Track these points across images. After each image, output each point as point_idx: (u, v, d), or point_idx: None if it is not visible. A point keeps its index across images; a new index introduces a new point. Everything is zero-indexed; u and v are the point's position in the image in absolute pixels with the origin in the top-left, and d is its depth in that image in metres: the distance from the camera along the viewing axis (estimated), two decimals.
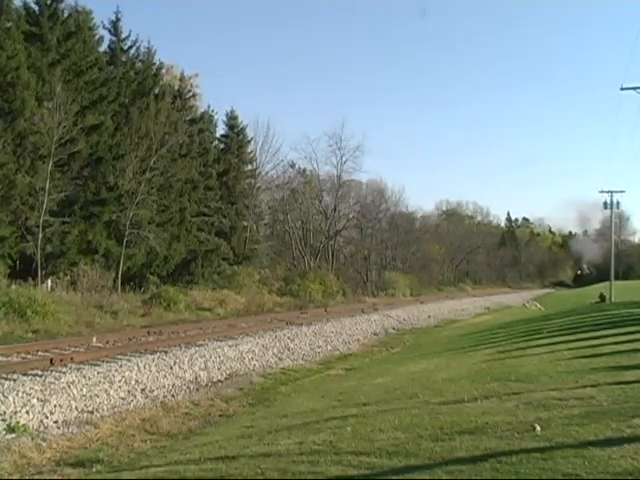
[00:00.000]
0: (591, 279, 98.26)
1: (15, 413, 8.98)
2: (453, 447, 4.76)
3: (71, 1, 26.62)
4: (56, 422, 9.21)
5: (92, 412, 9.90)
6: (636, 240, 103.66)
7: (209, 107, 36.81)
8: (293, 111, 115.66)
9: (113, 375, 11.37)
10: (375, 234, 53.10)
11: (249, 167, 39.72)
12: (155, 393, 11.49)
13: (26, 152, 23.06)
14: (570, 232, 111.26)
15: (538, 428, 5.01)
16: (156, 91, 30.94)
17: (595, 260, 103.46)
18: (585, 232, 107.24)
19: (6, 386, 9.64)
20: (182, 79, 36.31)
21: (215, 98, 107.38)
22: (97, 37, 28.21)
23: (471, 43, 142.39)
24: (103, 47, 28.99)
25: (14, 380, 10.07)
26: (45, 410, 9.38)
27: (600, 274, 77.16)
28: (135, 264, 27.03)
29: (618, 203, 47.16)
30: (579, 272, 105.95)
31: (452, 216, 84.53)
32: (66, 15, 26.15)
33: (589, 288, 62.33)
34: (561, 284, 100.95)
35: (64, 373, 10.90)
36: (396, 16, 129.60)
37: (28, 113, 22.73)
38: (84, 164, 25.42)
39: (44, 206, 22.30)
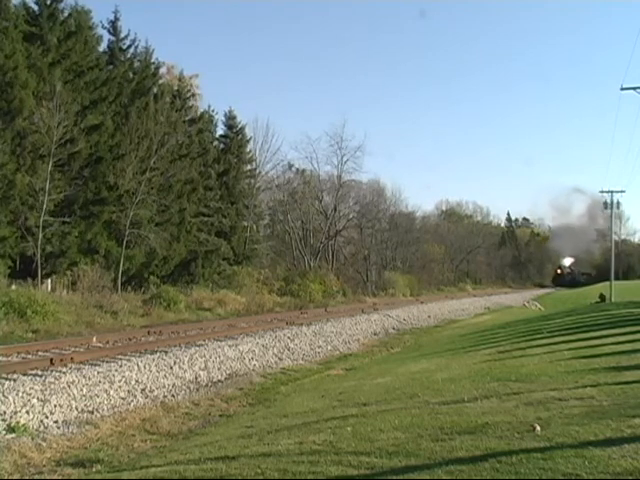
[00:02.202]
0: (573, 279, 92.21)
1: (15, 413, 8.98)
2: (453, 447, 4.76)
3: (71, 0, 26.69)
4: (56, 422, 9.20)
5: (92, 412, 9.90)
6: (636, 240, 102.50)
7: (209, 107, 36.88)
8: (294, 111, 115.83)
9: (113, 375, 11.37)
10: (375, 234, 53.12)
11: (249, 167, 39.73)
12: (155, 393, 11.49)
13: (26, 152, 23.06)
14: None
15: (538, 428, 5.01)
16: (155, 91, 30.95)
17: (579, 256, 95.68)
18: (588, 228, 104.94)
19: (6, 386, 9.64)
20: (181, 79, 36.30)
21: (215, 98, 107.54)
22: (96, 37, 28.22)
23: (471, 43, 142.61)
24: (102, 47, 29.02)
25: (14, 380, 10.07)
26: (45, 410, 9.38)
27: (600, 274, 75.84)
28: (135, 264, 27.04)
29: (618, 203, 47.30)
30: (559, 271, 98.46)
31: (452, 216, 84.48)
32: (66, 15, 26.16)
33: (589, 288, 62.05)
34: (539, 286, 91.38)
35: (64, 373, 10.89)
36: (396, 16, 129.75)
37: (27, 113, 22.73)
38: (84, 164, 25.42)
39: (44, 206, 22.29)
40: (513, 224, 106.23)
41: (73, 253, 24.16)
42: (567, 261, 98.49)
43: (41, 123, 22.55)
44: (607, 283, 48.80)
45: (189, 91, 36.32)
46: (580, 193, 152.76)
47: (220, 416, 10.26)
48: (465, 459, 4.37)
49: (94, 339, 15.21)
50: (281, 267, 40.35)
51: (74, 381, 10.57)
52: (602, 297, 45.08)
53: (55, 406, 9.60)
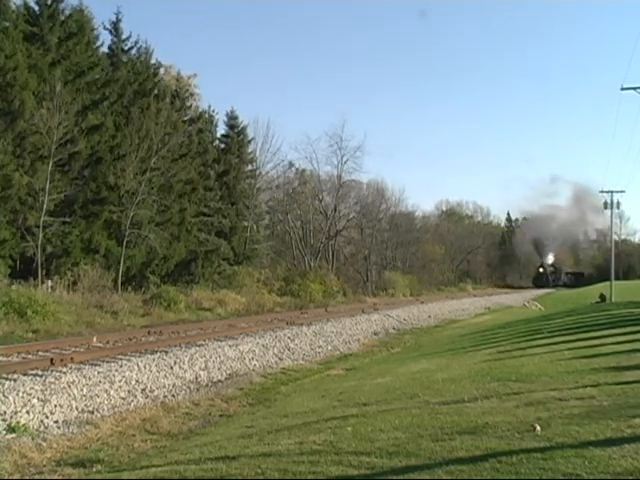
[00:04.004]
0: (557, 280, 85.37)
1: (15, 413, 8.98)
2: (453, 447, 4.76)
3: (74, 1, 26.72)
4: (56, 422, 9.20)
5: (92, 412, 9.90)
6: (636, 240, 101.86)
7: (209, 107, 36.89)
8: (294, 111, 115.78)
9: (113, 375, 11.37)
10: (375, 234, 53.14)
11: (249, 167, 39.73)
12: (155, 393, 11.49)
13: (26, 152, 23.06)
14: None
15: (538, 428, 5.01)
16: (155, 91, 30.97)
17: (559, 251, 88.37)
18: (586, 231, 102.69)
19: (6, 386, 9.64)
20: (179, 79, 36.31)
21: (215, 98, 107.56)
22: (97, 37, 28.31)
23: (471, 41, 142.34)
24: (104, 48, 29.07)
25: (14, 380, 10.07)
26: (45, 410, 9.38)
27: (600, 274, 75.01)
28: (135, 264, 27.05)
29: (618, 203, 47.25)
30: (541, 270, 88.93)
31: (452, 216, 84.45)
32: (66, 15, 26.17)
33: (590, 288, 61.89)
34: (515, 287, 78.74)
35: (64, 373, 10.89)
36: (396, 15, 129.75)
37: (27, 114, 22.72)
38: (84, 164, 25.43)
39: (44, 206, 22.30)
40: (513, 224, 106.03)
41: (73, 253, 24.16)
42: (550, 258, 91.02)
43: (41, 124, 22.55)
44: (607, 283, 48.81)
45: (187, 91, 36.33)
46: (562, 182, 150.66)
47: (220, 416, 10.25)
48: (465, 459, 4.37)
49: (94, 339, 15.21)
50: (281, 267, 40.35)
51: (74, 381, 10.56)
52: (602, 297, 45.09)
53: (55, 406, 9.59)
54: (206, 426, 9.45)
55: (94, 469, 7.07)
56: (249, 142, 39.13)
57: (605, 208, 47.83)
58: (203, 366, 13.63)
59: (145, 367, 12.28)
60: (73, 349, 13.85)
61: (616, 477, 3.74)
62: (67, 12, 26.21)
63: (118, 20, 29.52)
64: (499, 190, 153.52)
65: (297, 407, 9.24)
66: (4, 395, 9.29)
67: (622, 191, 47.48)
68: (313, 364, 16.50)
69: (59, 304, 19.48)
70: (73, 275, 23.15)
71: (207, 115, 35.84)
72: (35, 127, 22.76)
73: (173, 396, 11.54)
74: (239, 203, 36.63)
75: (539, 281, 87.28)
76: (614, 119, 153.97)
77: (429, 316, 32.45)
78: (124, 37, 30.01)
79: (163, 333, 17.32)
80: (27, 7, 25.44)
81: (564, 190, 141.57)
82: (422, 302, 39.07)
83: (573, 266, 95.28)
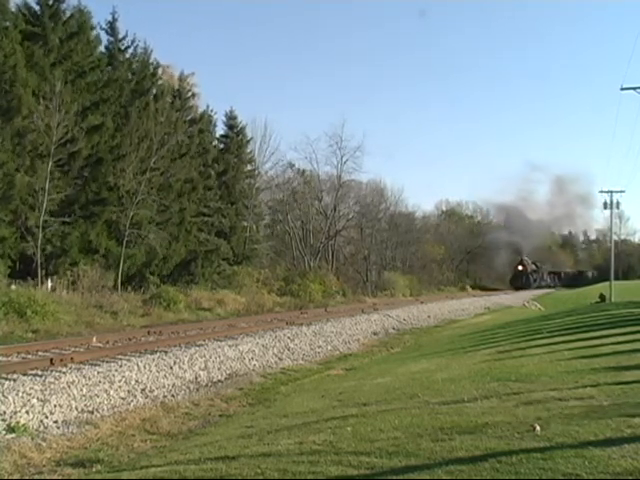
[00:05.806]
0: (538, 280, 78.75)
1: (15, 413, 8.98)
2: (453, 447, 4.75)
3: (74, 0, 26.69)
4: (56, 422, 9.20)
5: (92, 412, 9.90)
6: (636, 240, 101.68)
7: (208, 107, 36.90)
8: (293, 111, 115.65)
9: (113, 375, 11.37)
10: (375, 234, 53.16)
11: (249, 167, 39.75)
12: (155, 393, 11.49)
13: (25, 151, 23.05)
14: (570, 232, 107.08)
15: (538, 428, 5.01)
16: (154, 91, 30.94)
17: (536, 248, 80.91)
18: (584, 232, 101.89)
19: (6, 386, 9.64)
20: (181, 79, 36.32)
21: (213, 97, 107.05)
22: (97, 37, 28.25)
23: (470, 41, 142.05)
24: (101, 47, 28.99)
25: (14, 380, 10.07)
26: (45, 410, 9.38)
27: (600, 274, 74.56)
28: (135, 264, 27.05)
29: (618, 203, 47.25)
30: (520, 268, 77.31)
31: (452, 216, 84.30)
32: (68, 15, 26.16)
33: (590, 288, 61.74)
34: (483, 288, 66.67)
35: (64, 373, 10.89)
36: (396, 15, 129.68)
37: (25, 112, 22.69)
38: (84, 164, 25.43)
39: (44, 206, 22.30)
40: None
41: (73, 253, 24.16)
42: (525, 254, 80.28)
43: (40, 122, 22.53)
44: (607, 283, 48.82)
45: (189, 91, 36.35)
46: (540, 171, 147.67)
47: (220, 416, 10.25)
48: (465, 459, 4.37)
49: (94, 339, 15.21)
50: (281, 267, 40.36)
51: (74, 381, 10.56)
52: (602, 297, 45.10)
53: (55, 406, 9.59)
54: (206, 426, 9.45)
55: (94, 469, 7.07)
56: (248, 142, 39.18)
57: (605, 208, 47.90)
58: (203, 366, 13.63)
59: (145, 367, 12.28)
60: (73, 349, 13.85)
61: (616, 477, 3.74)
62: (68, 12, 26.20)
63: (114, 19, 29.44)
64: (497, 190, 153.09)
65: (297, 407, 9.24)
66: (4, 395, 9.29)
67: (622, 191, 47.59)
68: (313, 364, 16.50)
69: (59, 304, 19.48)
70: (73, 275, 23.15)
71: (207, 115, 35.86)
72: (34, 126, 22.75)
73: (173, 396, 11.54)
74: (238, 203, 36.64)
75: (517, 281, 75.89)
76: (614, 119, 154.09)
77: (429, 316, 32.43)
78: (121, 37, 29.93)
79: (163, 333, 17.32)
80: (28, 7, 25.42)
81: (547, 180, 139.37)
82: (422, 302, 39.04)
83: (573, 266, 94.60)
